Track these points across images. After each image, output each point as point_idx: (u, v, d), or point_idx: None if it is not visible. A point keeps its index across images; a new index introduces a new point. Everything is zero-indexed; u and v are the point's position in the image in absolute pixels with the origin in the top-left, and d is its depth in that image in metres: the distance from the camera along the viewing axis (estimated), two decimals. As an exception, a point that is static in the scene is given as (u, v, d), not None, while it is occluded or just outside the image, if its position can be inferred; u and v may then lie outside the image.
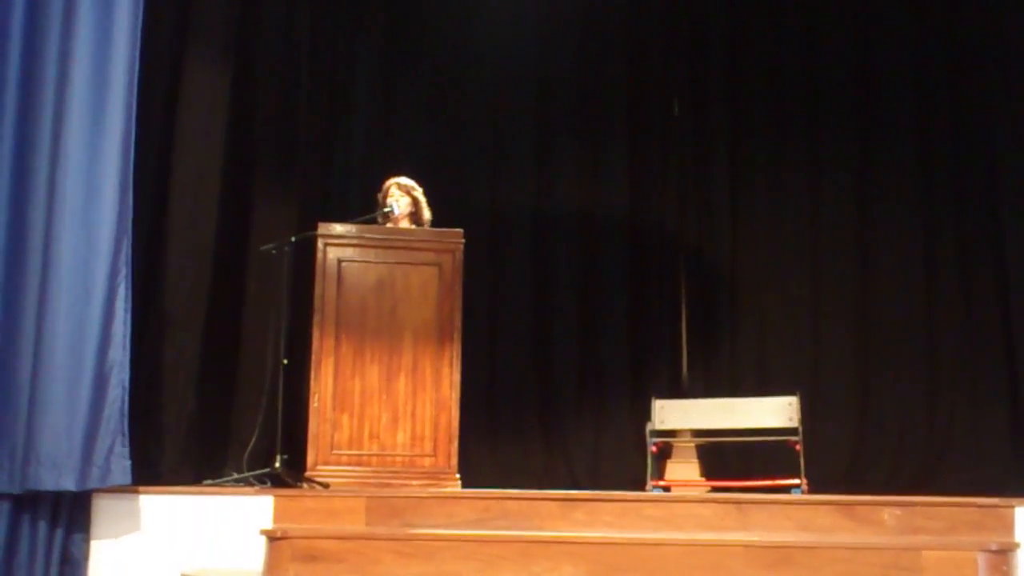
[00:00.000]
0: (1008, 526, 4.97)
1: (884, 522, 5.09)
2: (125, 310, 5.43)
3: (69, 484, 5.23)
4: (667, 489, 6.72)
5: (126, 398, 5.37)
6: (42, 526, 5.28)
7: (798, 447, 6.55)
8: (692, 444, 7.11)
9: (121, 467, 5.29)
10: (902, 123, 8.05)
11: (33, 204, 5.47)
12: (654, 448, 6.87)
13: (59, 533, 5.30)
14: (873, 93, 8.13)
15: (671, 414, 6.97)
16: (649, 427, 6.92)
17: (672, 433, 7.07)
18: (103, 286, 5.40)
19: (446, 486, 6.02)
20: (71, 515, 5.32)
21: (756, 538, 5.02)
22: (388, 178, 6.67)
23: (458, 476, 6.12)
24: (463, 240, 6.35)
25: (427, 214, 6.63)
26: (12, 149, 5.49)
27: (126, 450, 5.32)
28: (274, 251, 6.21)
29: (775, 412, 6.72)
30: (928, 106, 8.01)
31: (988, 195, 7.68)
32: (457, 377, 6.18)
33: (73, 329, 5.33)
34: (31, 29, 5.58)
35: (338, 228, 6.30)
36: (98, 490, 5.32)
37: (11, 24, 5.57)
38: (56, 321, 5.32)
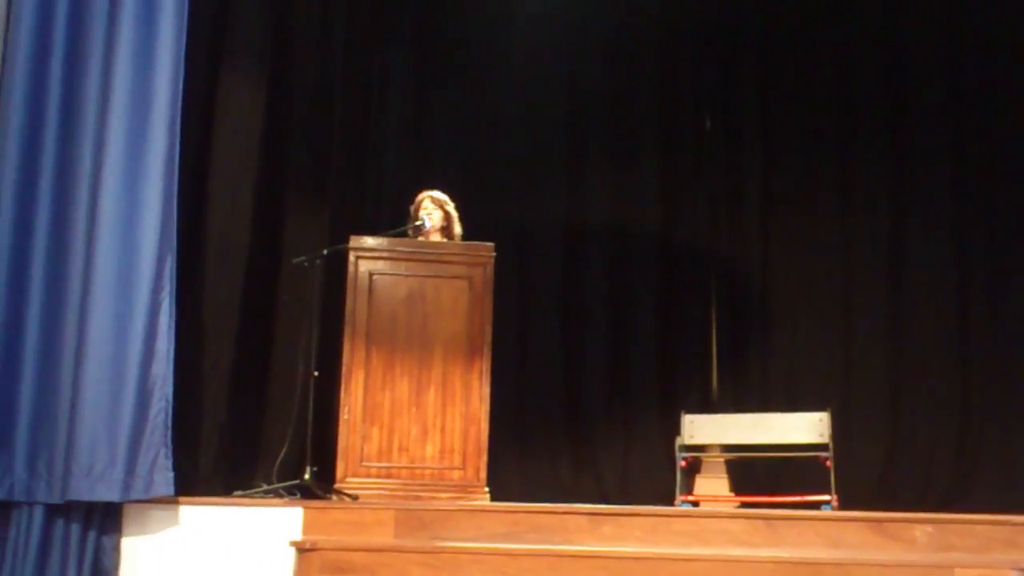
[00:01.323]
0: (1041, 544, 4.93)
1: (916, 539, 5.06)
2: (169, 325, 5.48)
3: (113, 495, 5.28)
4: (696, 504, 6.70)
5: (170, 411, 5.43)
6: (74, 536, 5.32)
7: (828, 463, 6.53)
8: (722, 459, 7.08)
9: (164, 479, 5.34)
10: (936, 140, 8.03)
11: (74, 220, 5.52)
12: (683, 463, 6.86)
13: (90, 543, 5.33)
14: (906, 109, 8.12)
15: (701, 429, 6.95)
16: (678, 442, 6.91)
17: (702, 448, 7.05)
18: (146, 302, 5.45)
19: (475, 499, 6.02)
20: (102, 525, 5.35)
21: (786, 554, 4.99)
22: (420, 191, 6.70)
23: (487, 489, 6.12)
24: (494, 254, 6.35)
25: (458, 228, 6.65)
26: (54, 166, 5.54)
27: (169, 462, 5.37)
28: (306, 264, 6.23)
29: (805, 428, 6.70)
30: (962, 124, 7.99)
31: (1022, 214, 7.64)
32: (487, 390, 6.18)
33: (115, 343, 5.38)
34: (72, 46, 5.63)
35: (370, 241, 6.33)
36: (129, 500, 5.35)
37: (53, 41, 5.62)
38: (97, 336, 5.36)
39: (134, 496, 5.31)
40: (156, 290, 5.47)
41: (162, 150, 5.57)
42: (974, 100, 7.97)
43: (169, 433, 5.41)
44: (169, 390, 5.44)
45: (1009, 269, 7.69)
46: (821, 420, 6.65)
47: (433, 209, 6.57)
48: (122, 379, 5.37)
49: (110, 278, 5.42)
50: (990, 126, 7.89)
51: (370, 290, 6.23)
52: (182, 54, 5.67)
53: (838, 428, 6.71)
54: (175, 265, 5.55)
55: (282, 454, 6.12)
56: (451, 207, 6.64)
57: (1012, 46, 7.79)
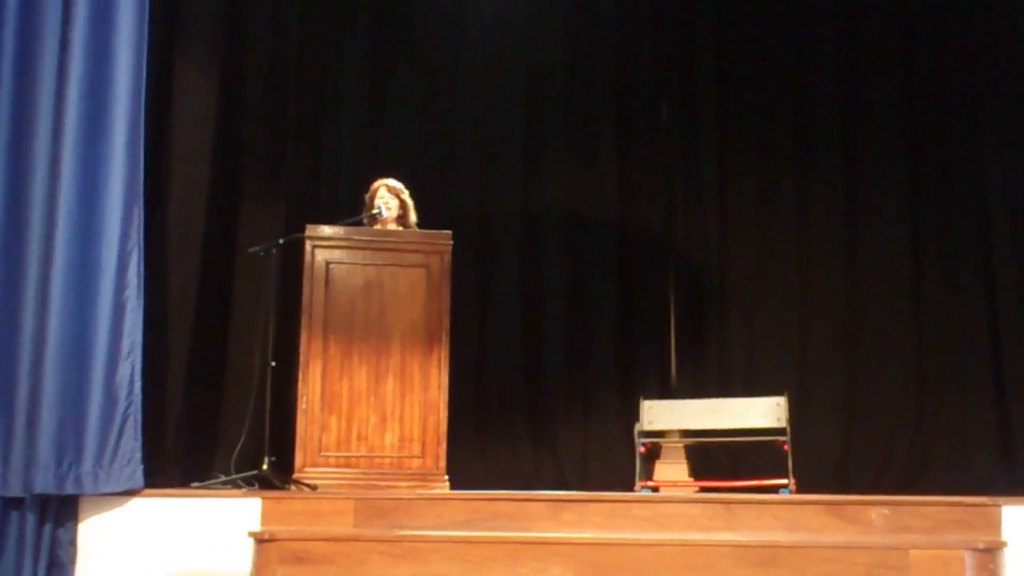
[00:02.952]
0: (995, 525, 4.99)
1: (872, 521, 5.10)
2: (135, 322, 5.48)
3: (83, 488, 5.28)
4: (655, 490, 6.72)
5: (139, 406, 5.43)
6: (30, 529, 5.28)
7: (786, 447, 6.57)
8: (680, 444, 7.12)
9: (134, 472, 5.37)
10: (890, 126, 8.07)
11: (29, 213, 5.46)
12: (642, 448, 6.88)
13: (46, 536, 5.30)
14: (861, 95, 8.16)
15: (659, 414, 6.98)
16: (637, 427, 6.93)
17: (660, 434, 7.08)
18: (111, 301, 5.43)
19: (434, 487, 6.01)
20: (58, 518, 5.32)
21: (744, 538, 5.02)
22: (376, 180, 6.67)
23: (446, 477, 6.12)
24: (451, 242, 6.34)
25: (414, 216, 6.63)
26: (7, 157, 5.46)
27: (139, 455, 5.39)
28: (262, 253, 6.19)
29: (763, 412, 6.74)
30: (916, 109, 8.04)
31: (975, 193, 7.71)
32: (445, 379, 6.17)
33: (78, 342, 5.37)
34: (25, 31, 5.53)
35: (326, 230, 6.30)
36: (100, 493, 5.33)
37: (3, 24, 5.54)
38: (58, 335, 5.34)
39: (104, 489, 5.32)
40: (121, 288, 5.45)
41: (123, 144, 5.53)
42: (928, 88, 8.02)
43: (139, 427, 5.41)
44: (138, 385, 5.45)
45: (963, 254, 7.75)
46: (779, 404, 6.70)
47: (389, 197, 6.54)
48: (88, 376, 5.37)
49: (70, 279, 5.39)
50: (943, 112, 7.93)
51: (327, 279, 6.20)
52: (144, 38, 5.60)
53: (795, 412, 6.76)
54: (141, 262, 5.51)
55: (240, 444, 6.09)
56: (407, 195, 6.61)
57: (965, 31, 7.85)
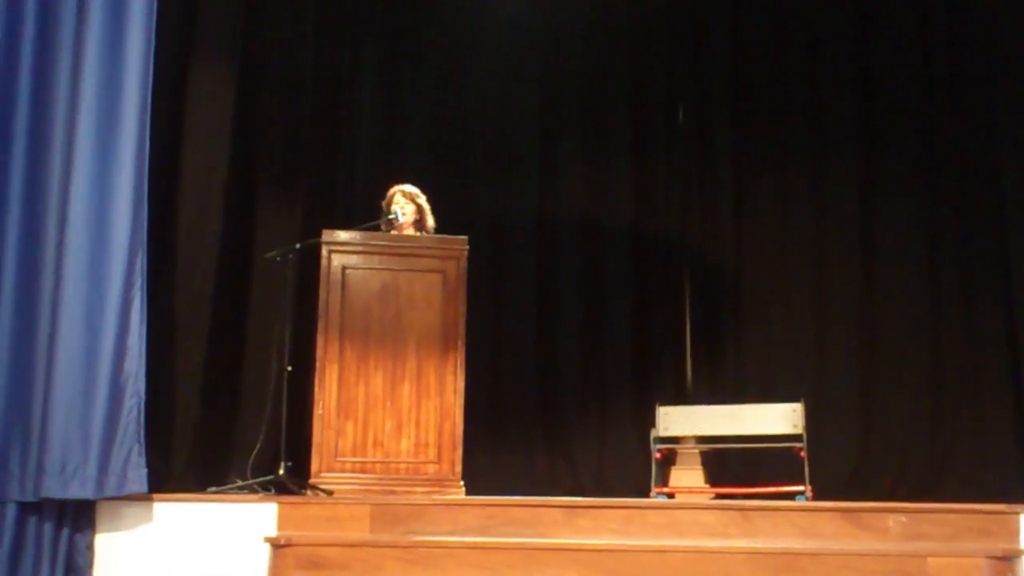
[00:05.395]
0: (1013, 532, 4.97)
1: (889, 529, 5.08)
2: (140, 322, 5.46)
3: (87, 493, 5.26)
4: (671, 496, 6.72)
5: (142, 408, 5.41)
6: (47, 534, 5.29)
7: (802, 454, 6.56)
8: (696, 451, 7.11)
9: (138, 476, 5.33)
10: (906, 132, 8.04)
11: (45, 217, 5.48)
12: (658, 455, 6.87)
13: (63, 541, 5.30)
14: (877, 101, 8.13)
15: (675, 421, 6.97)
16: (653, 434, 6.92)
17: (676, 440, 7.07)
18: (117, 299, 5.42)
19: (450, 493, 6.01)
20: (76, 522, 5.33)
21: (760, 545, 5.01)
22: (392, 185, 6.68)
23: (462, 483, 6.11)
24: (467, 247, 6.34)
25: (431, 221, 6.63)
26: (24, 161, 5.50)
27: (143, 459, 5.36)
28: (278, 258, 6.21)
29: (779, 419, 6.72)
30: (933, 116, 8.01)
31: (992, 200, 7.68)
32: (461, 384, 6.16)
33: (87, 341, 5.36)
34: (42, 39, 5.58)
35: (342, 235, 6.30)
36: (103, 498, 5.32)
37: (23, 34, 5.56)
38: (69, 334, 5.33)
39: (107, 494, 5.29)
40: (128, 286, 5.44)
41: (132, 144, 5.53)
42: (944, 96, 7.98)
43: (142, 430, 5.39)
44: (142, 386, 5.42)
45: (982, 256, 7.71)
46: (795, 411, 6.68)
47: (405, 203, 6.55)
48: (94, 376, 5.35)
49: (82, 275, 5.39)
50: (960, 122, 7.89)
51: (343, 284, 6.20)
52: (151, 47, 5.63)
53: (812, 419, 6.74)
54: (146, 261, 5.52)
55: (256, 450, 6.10)
56: (423, 199, 6.62)
57: (981, 28, 7.82)
